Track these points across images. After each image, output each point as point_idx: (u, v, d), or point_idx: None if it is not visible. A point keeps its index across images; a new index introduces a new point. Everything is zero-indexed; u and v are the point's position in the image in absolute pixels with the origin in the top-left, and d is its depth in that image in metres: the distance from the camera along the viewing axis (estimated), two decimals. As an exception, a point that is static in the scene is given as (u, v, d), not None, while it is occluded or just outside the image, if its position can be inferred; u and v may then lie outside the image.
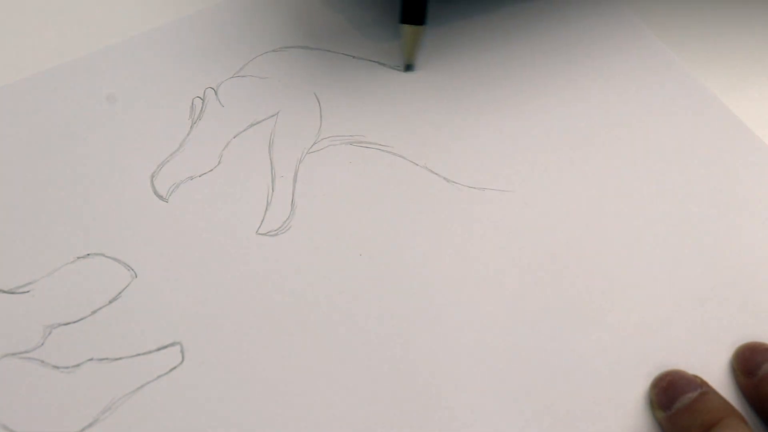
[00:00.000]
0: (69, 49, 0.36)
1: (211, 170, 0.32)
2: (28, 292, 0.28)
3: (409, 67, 0.35)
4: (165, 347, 0.27)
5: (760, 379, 0.26)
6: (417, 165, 0.33)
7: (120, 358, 0.27)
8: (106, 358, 0.27)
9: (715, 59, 0.37)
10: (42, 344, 0.27)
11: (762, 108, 0.35)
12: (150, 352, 0.27)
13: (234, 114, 0.34)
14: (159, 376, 0.27)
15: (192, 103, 0.34)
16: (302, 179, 0.32)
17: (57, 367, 0.27)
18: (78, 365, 0.27)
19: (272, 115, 0.34)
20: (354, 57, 0.36)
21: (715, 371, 0.28)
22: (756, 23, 0.39)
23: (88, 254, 0.29)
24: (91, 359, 0.27)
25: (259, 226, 0.30)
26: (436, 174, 0.32)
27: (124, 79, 0.35)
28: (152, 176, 0.32)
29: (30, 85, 0.34)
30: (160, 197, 0.31)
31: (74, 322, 0.28)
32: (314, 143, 0.33)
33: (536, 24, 0.38)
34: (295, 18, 0.38)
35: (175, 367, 0.27)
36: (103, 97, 0.34)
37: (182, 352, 0.27)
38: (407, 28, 0.34)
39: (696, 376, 0.27)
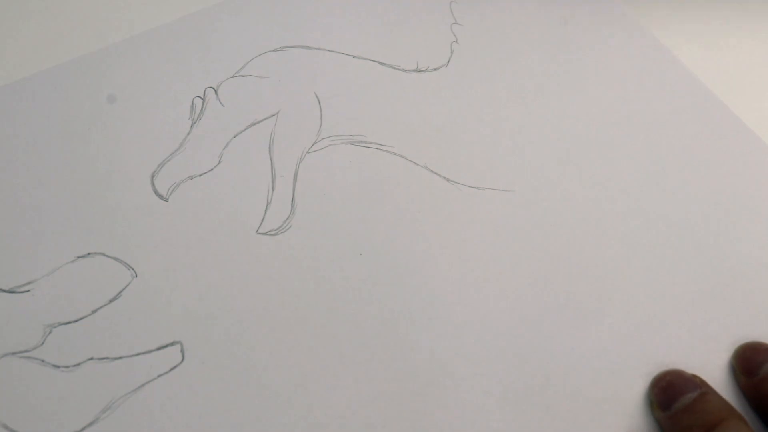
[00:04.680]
0: (69, 49, 0.36)
1: (212, 170, 0.32)
2: (28, 291, 0.28)
3: None
4: (165, 346, 0.27)
5: (760, 379, 0.26)
6: (417, 165, 0.33)
7: (120, 358, 0.27)
8: (107, 358, 0.27)
9: (715, 59, 0.37)
10: (42, 343, 0.27)
11: (762, 107, 0.35)
12: (150, 351, 0.27)
13: (234, 113, 0.34)
14: (159, 376, 0.27)
15: (192, 103, 0.34)
16: (302, 179, 0.32)
17: (57, 367, 0.27)
18: (78, 364, 0.27)
19: (272, 115, 0.34)
20: (354, 57, 0.36)
21: (715, 371, 0.28)
22: (756, 22, 0.39)
23: (89, 253, 0.29)
24: (91, 358, 0.27)
25: (259, 226, 0.30)
26: (436, 174, 0.32)
27: (124, 79, 0.35)
28: (152, 176, 0.32)
29: (30, 85, 0.34)
30: (161, 197, 0.31)
31: (74, 321, 0.28)
32: (314, 143, 0.33)
33: (537, 25, 0.38)
34: (295, 17, 0.38)
35: (175, 367, 0.27)
36: (103, 97, 0.34)
37: (182, 351, 0.27)
38: None
39: (695, 376, 0.27)
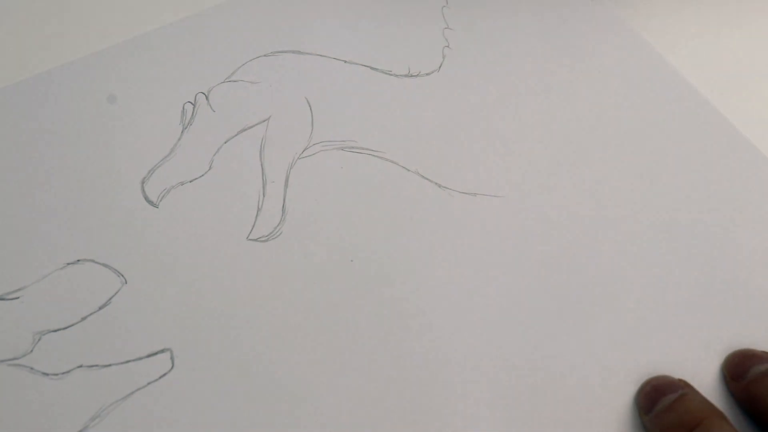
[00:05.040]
0: (69, 49, 0.36)
1: (202, 176, 0.32)
2: (17, 298, 0.28)
3: None
4: (155, 354, 0.27)
5: (748, 381, 0.27)
6: (409, 170, 0.33)
7: (110, 365, 0.27)
8: (96, 365, 0.27)
9: (706, 63, 0.37)
10: (31, 351, 0.27)
11: (754, 111, 0.35)
12: (140, 358, 0.27)
13: (225, 119, 0.34)
14: (149, 383, 0.27)
15: (183, 108, 0.34)
16: (293, 185, 0.32)
17: (46, 374, 0.27)
18: (67, 372, 0.27)
19: (263, 120, 0.34)
20: (345, 62, 0.36)
21: (706, 378, 0.28)
22: (747, 26, 0.39)
23: (78, 260, 0.29)
24: (80, 366, 0.27)
25: (250, 232, 0.30)
26: (427, 179, 0.32)
27: (115, 84, 0.35)
28: (143, 182, 0.31)
29: (30, 86, 0.34)
30: (151, 203, 0.31)
31: (64, 328, 0.28)
32: (305, 148, 0.33)
33: (528, 29, 0.38)
34: (286, 22, 0.38)
35: (165, 374, 0.27)
36: (99, 98, 0.34)
37: (172, 358, 0.27)
38: None
39: (680, 380, 0.27)
